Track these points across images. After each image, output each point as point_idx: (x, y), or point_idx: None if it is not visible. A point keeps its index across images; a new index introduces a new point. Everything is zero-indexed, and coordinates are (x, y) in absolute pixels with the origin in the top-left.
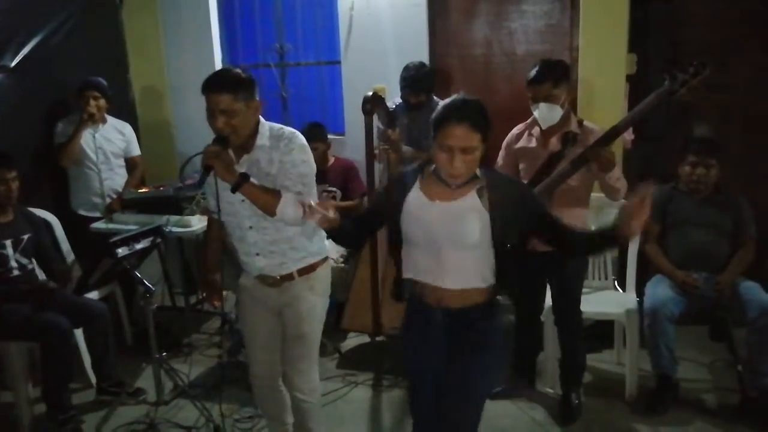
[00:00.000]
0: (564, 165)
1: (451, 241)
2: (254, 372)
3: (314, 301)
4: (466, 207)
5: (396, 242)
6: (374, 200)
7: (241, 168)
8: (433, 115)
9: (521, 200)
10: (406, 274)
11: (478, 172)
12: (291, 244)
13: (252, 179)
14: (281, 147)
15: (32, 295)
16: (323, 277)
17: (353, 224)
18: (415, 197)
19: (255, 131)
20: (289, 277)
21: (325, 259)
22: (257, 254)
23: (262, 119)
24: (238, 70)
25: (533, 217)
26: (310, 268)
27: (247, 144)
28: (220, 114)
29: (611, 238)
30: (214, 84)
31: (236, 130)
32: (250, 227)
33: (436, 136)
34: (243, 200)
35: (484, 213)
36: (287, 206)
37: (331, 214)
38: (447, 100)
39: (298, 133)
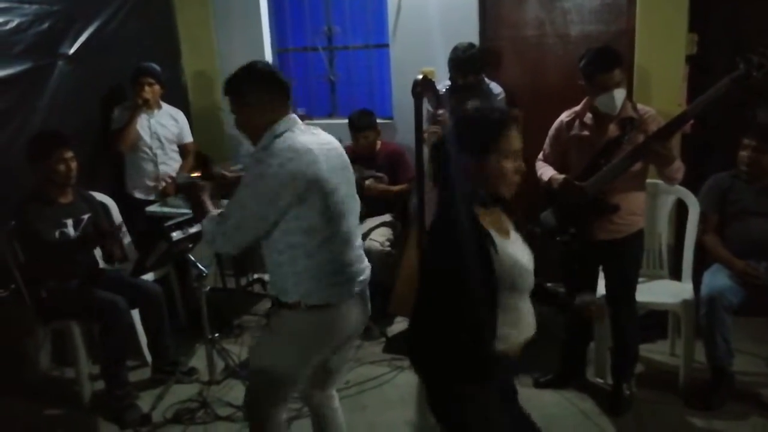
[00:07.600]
0: (624, 151)
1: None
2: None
3: None
4: (524, 241)
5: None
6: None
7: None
8: (484, 123)
9: None
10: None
11: None
12: None
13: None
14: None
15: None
16: None
17: None
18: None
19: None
20: None
21: None
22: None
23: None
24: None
25: None
26: None
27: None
28: None
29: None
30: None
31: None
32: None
33: (498, 145)
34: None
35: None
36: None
37: None
38: (496, 108)
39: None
